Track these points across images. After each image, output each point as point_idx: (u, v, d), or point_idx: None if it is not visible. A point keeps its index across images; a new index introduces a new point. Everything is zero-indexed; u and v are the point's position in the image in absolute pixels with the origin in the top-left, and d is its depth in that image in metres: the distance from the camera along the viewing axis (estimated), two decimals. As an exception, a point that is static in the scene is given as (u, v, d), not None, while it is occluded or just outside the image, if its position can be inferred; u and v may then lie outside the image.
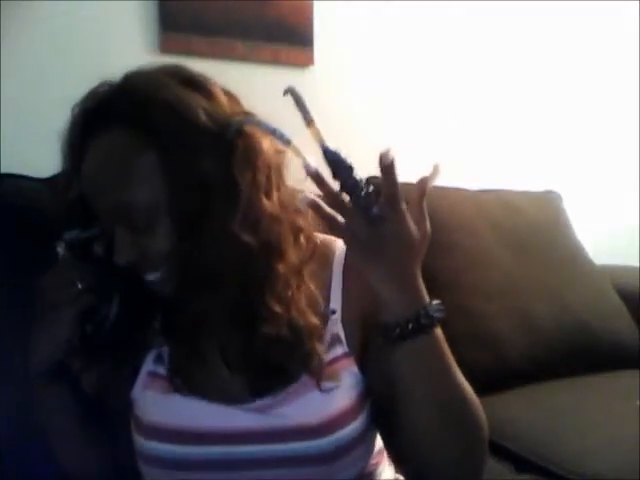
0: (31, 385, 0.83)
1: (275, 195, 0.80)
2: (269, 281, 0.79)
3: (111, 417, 0.88)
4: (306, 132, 0.83)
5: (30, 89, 1.41)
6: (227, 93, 0.82)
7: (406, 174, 1.84)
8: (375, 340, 0.80)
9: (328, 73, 1.77)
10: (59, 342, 0.79)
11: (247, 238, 0.75)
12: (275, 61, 1.68)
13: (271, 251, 0.79)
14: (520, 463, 1.28)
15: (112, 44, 1.49)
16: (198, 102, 0.77)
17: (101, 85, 0.80)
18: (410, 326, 0.71)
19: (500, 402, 1.40)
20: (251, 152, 0.77)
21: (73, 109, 0.80)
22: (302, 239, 0.83)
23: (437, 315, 0.73)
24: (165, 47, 1.55)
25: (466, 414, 0.76)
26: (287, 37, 1.70)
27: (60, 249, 0.81)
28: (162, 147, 0.75)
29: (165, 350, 0.86)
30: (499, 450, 1.30)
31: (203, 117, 0.76)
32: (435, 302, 0.74)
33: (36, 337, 0.81)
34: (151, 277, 0.79)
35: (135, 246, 0.77)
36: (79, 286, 0.78)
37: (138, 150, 0.76)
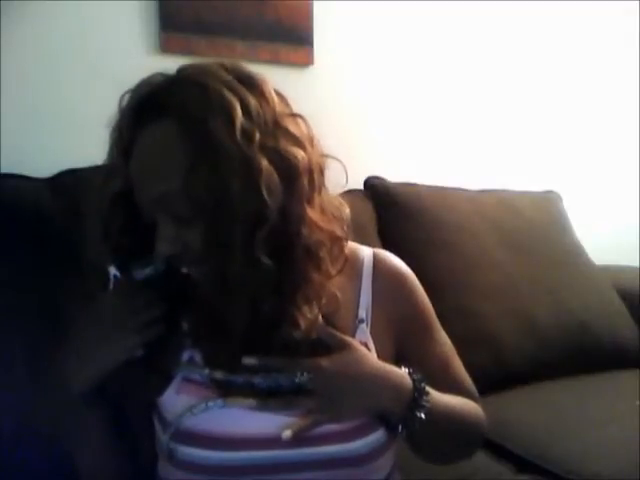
0: (71, 398, 0.80)
1: (317, 200, 0.80)
2: (303, 288, 0.79)
3: (132, 420, 0.88)
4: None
5: (30, 89, 1.41)
6: (278, 93, 0.81)
7: (406, 174, 1.84)
8: (410, 343, 0.91)
9: (328, 73, 1.77)
10: (113, 363, 0.78)
11: (268, 261, 0.74)
12: (275, 61, 1.68)
13: (309, 258, 0.79)
14: (520, 463, 1.28)
15: (112, 44, 1.49)
16: (248, 101, 0.75)
17: (154, 75, 0.79)
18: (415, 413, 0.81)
19: (500, 402, 1.39)
20: (285, 168, 0.76)
21: (122, 98, 0.79)
22: (337, 248, 0.83)
23: (423, 385, 0.82)
24: (165, 47, 1.55)
25: (468, 432, 0.92)
26: (287, 37, 1.70)
27: (114, 271, 0.81)
28: (199, 148, 0.74)
29: (197, 353, 0.84)
30: (499, 450, 1.30)
31: (242, 131, 0.74)
32: (414, 376, 0.83)
33: (83, 354, 0.78)
34: (189, 270, 0.79)
35: (177, 239, 0.77)
36: (156, 313, 0.78)
37: (184, 142, 0.75)
